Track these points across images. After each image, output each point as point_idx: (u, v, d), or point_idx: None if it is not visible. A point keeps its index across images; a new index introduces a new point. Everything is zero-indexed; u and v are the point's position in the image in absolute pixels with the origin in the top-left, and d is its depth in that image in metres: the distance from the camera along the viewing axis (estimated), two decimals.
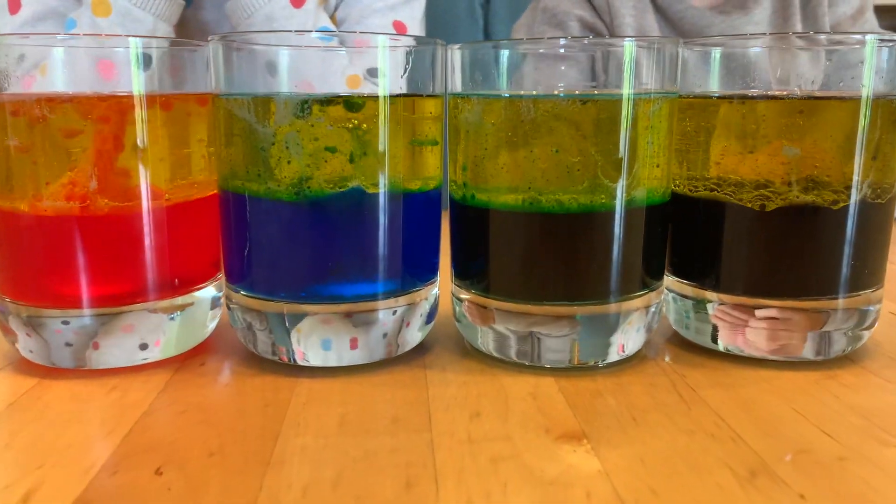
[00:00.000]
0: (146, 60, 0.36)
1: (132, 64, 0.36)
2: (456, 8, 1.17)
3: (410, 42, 0.37)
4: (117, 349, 0.36)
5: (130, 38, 0.36)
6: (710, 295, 0.39)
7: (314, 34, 0.43)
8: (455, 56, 0.38)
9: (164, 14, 0.69)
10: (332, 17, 0.81)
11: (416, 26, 0.84)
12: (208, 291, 0.40)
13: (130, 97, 0.35)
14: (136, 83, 0.36)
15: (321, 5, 0.75)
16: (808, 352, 0.38)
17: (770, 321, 0.38)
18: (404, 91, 0.36)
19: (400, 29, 0.82)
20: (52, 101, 0.34)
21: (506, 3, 1.18)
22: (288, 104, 0.34)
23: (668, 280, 0.41)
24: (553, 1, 0.91)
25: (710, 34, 0.89)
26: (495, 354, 0.38)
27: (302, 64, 0.35)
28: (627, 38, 0.35)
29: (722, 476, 0.27)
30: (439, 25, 1.07)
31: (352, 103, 0.35)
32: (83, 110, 0.34)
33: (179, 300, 0.38)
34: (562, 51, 0.41)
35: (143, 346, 0.37)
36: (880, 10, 1.03)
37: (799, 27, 0.91)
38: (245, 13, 0.73)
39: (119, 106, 0.35)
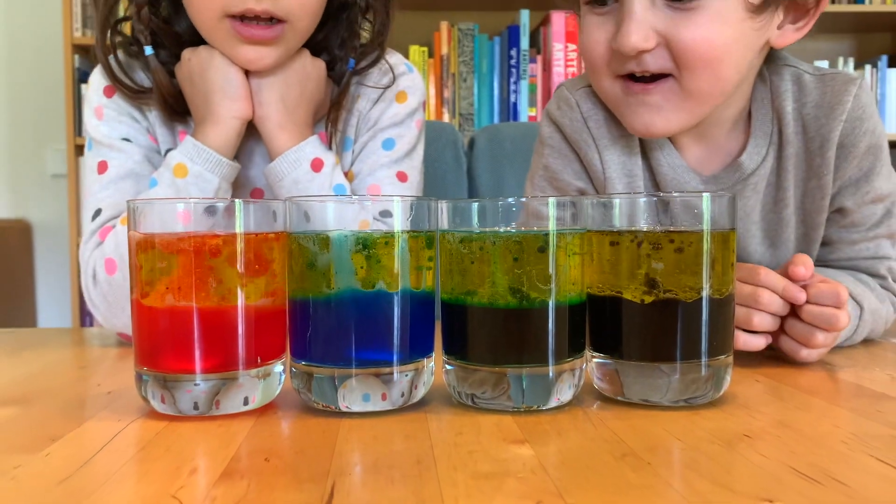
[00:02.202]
0: (214, 210, 0.56)
1: (236, 213, 0.56)
2: (444, 155, 1.42)
3: (412, 201, 0.58)
4: (230, 402, 0.55)
5: (235, 201, 0.56)
6: (615, 362, 0.58)
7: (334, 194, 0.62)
8: (442, 206, 0.59)
9: (228, 176, 0.90)
10: (347, 173, 1.00)
11: (415, 175, 1.01)
12: (277, 366, 0.59)
13: (234, 236, 0.56)
14: (238, 224, 0.56)
15: (336, 165, 0.95)
16: (679, 396, 0.57)
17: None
18: (409, 229, 0.57)
19: (402, 177, 0.99)
20: (185, 239, 0.54)
21: (486, 152, 1.43)
22: (337, 239, 0.54)
23: (589, 353, 0.60)
24: (556, 163, 0.95)
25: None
26: (472, 403, 0.57)
27: (327, 214, 0.56)
28: (550, 198, 0.56)
29: (607, 456, 0.46)
30: (430, 169, 1.29)
31: (376, 239, 0.55)
32: (202, 243, 0.54)
33: (263, 370, 0.57)
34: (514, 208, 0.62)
35: (246, 401, 0.55)
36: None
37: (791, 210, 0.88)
38: (277, 178, 0.91)
39: (225, 242, 0.55)
